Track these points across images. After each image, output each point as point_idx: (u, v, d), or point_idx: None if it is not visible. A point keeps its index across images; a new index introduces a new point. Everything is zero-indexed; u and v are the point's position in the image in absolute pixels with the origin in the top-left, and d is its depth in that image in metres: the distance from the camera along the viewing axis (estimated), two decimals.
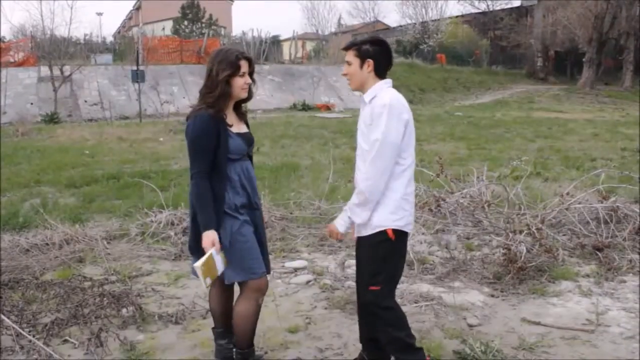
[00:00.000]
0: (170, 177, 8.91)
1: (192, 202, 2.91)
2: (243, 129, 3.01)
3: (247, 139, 3.00)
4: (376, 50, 2.87)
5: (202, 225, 2.83)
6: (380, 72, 2.89)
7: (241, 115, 3.03)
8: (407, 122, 2.79)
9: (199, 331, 3.69)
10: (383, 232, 2.81)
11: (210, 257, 2.79)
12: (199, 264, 2.77)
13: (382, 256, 2.85)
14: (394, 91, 2.88)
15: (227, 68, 2.83)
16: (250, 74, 2.94)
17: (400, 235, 2.86)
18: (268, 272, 3.09)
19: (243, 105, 3.05)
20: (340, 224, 2.92)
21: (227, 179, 2.88)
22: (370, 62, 2.86)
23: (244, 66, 2.89)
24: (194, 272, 3.01)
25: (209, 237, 2.80)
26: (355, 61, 2.89)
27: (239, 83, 2.88)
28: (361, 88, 2.93)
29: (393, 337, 2.92)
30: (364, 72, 2.88)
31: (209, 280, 2.83)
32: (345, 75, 2.96)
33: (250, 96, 2.99)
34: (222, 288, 3.10)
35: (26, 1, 51.91)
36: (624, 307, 4.01)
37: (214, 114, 2.82)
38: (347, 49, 2.93)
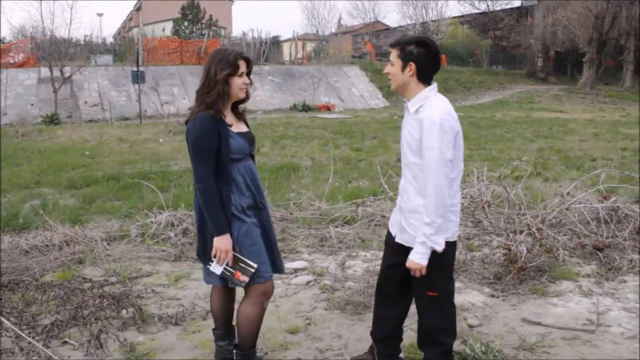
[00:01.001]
0: (170, 178, 8.92)
1: (199, 207, 2.87)
2: (243, 128, 2.98)
3: (248, 138, 2.98)
4: (421, 53, 2.71)
5: (216, 230, 2.79)
6: (424, 77, 2.75)
7: (239, 115, 3.01)
8: (457, 134, 2.71)
9: (199, 332, 3.68)
10: None
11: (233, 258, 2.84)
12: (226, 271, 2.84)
13: (432, 265, 2.78)
14: (441, 100, 2.76)
15: (226, 67, 2.81)
16: (248, 74, 2.93)
17: (449, 245, 2.81)
18: (281, 271, 3.09)
19: (241, 105, 3.04)
20: (420, 258, 2.73)
21: (232, 180, 2.86)
22: (413, 65, 2.71)
23: (243, 66, 2.87)
24: (208, 281, 3.02)
25: (224, 243, 2.79)
26: (397, 62, 2.75)
27: (237, 83, 2.86)
28: (402, 91, 2.80)
29: (441, 342, 2.93)
30: (405, 76, 2.75)
31: (243, 277, 2.85)
32: (386, 74, 2.83)
33: (247, 97, 2.97)
34: (223, 289, 3.09)
35: (26, 2, 51.89)
36: (625, 307, 4.00)
37: (213, 114, 2.80)
38: (391, 47, 2.79)
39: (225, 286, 3.03)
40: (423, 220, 2.70)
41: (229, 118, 2.91)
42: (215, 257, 2.83)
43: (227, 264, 2.84)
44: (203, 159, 2.78)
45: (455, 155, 2.73)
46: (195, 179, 2.81)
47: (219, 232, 2.79)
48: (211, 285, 3.13)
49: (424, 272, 2.75)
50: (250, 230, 2.88)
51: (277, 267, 3.04)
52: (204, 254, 2.91)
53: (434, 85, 2.79)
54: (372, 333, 3.21)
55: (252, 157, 3.05)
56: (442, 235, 2.72)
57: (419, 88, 2.76)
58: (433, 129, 2.63)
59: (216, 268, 2.86)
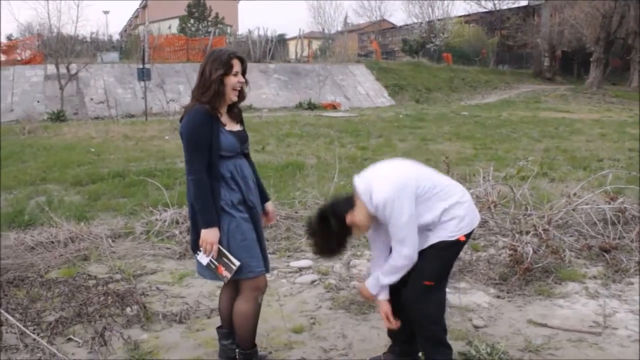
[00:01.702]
0: (175, 175, 8.91)
1: (191, 201, 2.89)
2: (236, 127, 2.99)
3: (240, 137, 2.98)
4: (337, 215, 2.84)
5: (204, 223, 2.81)
6: (349, 207, 2.85)
7: (234, 115, 3.01)
8: (414, 186, 2.79)
9: (203, 330, 3.67)
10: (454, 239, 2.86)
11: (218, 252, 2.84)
12: (211, 263, 2.83)
13: (449, 257, 2.93)
14: (378, 173, 2.89)
15: (220, 67, 2.83)
16: (243, 73, 2.93)
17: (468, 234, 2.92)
18: (267, 271, 3.08)
19: (235, 106, 3.03)
20: (371, 287, 2.99)
21: (221, 175, 2.87)
22: (352, 209, 2.83)
23: (237, 65, 2.88)
24: (202, 274, 3.02)
25: (210, 235, 2.80)
26: (353, 228, 2.87)
27: (232, 82, 2.87)
28: (371, 219, 2.86)
29: (429, 331, 2.95)
30: (360, 222, 2.84)
31: (225, 272, 2.86)
32: (364, 232, 2.98)
33: (242, 97, 2.97)
34: (232, 289, 3.08)
35: (34, 0, 52.15)
36: (632, 310, 3.97)
37: (209, 109, 2.83)
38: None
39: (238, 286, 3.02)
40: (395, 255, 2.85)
41: (223, 117, 2.92)
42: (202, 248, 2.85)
43: (212, 257, 2.86)
44: (197, 152, 2.82)
45: (430, 185, 2.85)
46: (188, 171, 2.85)
47: (207, 224, 2.81)
48: (217, 284, 3.13)
49: (372, 299, 3.05)
50: (240, 225, 2.89)
51: (264, 266, 3.03)
52: (197, 246, 2.92)
53: (356, 180, 2.89)
54: (391, 334, 3.20)
55: (247, 156, 3.06)
56: (401, 275, 2.89)
57: (362, 203, 2.82)
58: (385, 206, 2.74)
59: (203, 259, 2.89)
